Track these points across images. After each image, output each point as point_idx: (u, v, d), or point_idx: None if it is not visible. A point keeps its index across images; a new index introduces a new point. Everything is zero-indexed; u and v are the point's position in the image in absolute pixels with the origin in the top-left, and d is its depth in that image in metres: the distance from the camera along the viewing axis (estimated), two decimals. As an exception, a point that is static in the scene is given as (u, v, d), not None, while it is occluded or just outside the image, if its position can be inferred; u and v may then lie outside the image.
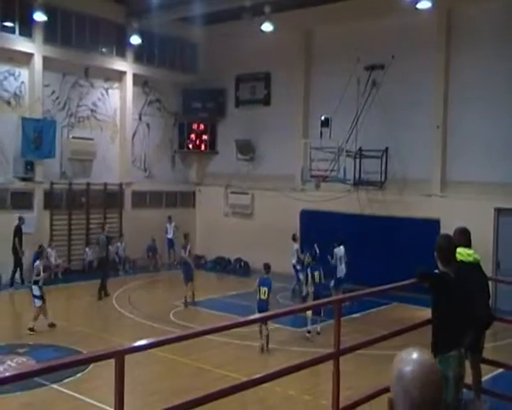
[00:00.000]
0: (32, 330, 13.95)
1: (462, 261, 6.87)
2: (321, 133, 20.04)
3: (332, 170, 19.67)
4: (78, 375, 10.93)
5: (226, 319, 12.95)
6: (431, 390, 2.06)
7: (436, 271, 6.14)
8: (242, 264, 23.61)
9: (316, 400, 9.94)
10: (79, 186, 22.45)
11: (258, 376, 5.25)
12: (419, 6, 17.06)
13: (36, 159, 21.04)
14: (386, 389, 6.50)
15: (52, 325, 14.29)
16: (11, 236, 19.28)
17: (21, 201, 20.84)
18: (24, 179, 20.87)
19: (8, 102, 20.64)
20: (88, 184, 22.69)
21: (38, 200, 21.34)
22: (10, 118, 20.41)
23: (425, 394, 2.04)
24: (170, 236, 23.86)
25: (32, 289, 14.38)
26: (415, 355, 2.12)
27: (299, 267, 18.34)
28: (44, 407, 9.89)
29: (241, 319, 5.74)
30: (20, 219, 19.58)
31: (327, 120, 20.00)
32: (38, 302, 14.17)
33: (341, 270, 17.29)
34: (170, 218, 24.03)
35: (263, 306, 12.55)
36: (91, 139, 22.80)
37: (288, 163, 22.72)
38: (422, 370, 2.07)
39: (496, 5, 18.22)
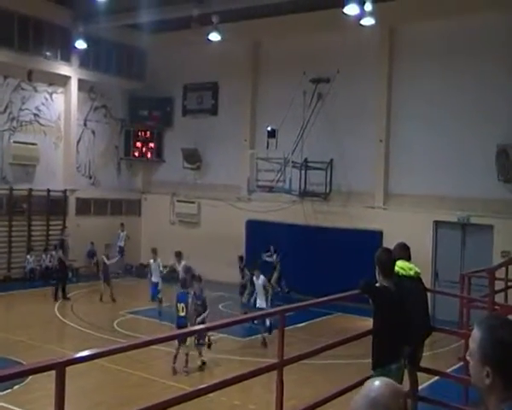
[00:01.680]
0: None
1: (403, 275, 7.11)
2: (267, 144, 20.27)
3: (278, 181, 19.91)
4: (16, 387, 10.63)
5: (171, 329, 12.93)
6: None
7: (377, 284, 6.34)
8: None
9: (260, 409, 10.02)
10: (21, 192, 21.88)
11: (203, 386, 5.29)
12: (363, 22, 17.54)
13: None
14: (330, 398, 6.64)
15: None
16: None
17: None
18: (-39, 185, 20.22)
19: None
20: (30, 189, 22.14)
21: (-24, 205, 20.71)
22: None
23: None
24: (121, 243, 23.57)
25: None
26: (383, 382, 2.19)
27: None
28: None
29: (184, 331, 5.74)
30: None
31: (273, 130, 20.25)
32: None
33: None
34: (122, 225, 23.80)
35: (181, 322, 12.04)
36: (34, 144, 22.29)
37: (235, 173, 22.84)
38: (393, 394, 2.15)
39: (436, 24, 18.96)
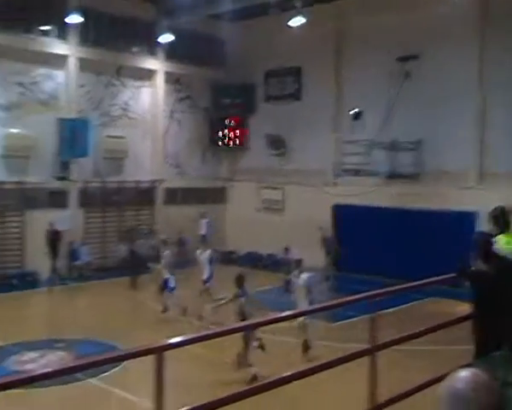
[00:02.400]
0: None
1: (501, 256, 6.70)
2: (352, 127, 19.91)
3: (364, 163, 19.53)
4: (114, 370, 11.05)
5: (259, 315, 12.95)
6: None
7: (474, 268, 6.04)
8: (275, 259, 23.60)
9: (351, 395, 9.88)
10: (112, 184, 22.77)
11: (293, 372, 5.23)
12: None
13: (71, 158, 21.42)
14: (424, 386, 6.39)
15: None
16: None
17: (57, 199, 21.25)
18: (60, 178, 21.26)
19: (45, 104, 21.05)
20: (121, 181, 22.99)
21: (73, 198, 21.73)
22: (47, 119, 20.81)
23: None
24: (203, 232, 24.00)
25: None
26: (472, 374, 2.03)
27: None
28: (81, 400, 10.07)
29: (280, 315, 5.71)
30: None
31: (358, 112, 19.86)
32: None
33: None
34: (203, 214, 24.19)
35: None
36: (124, 138, 23.08)
37: (320, 157, 22.62)
38: (480, 387, 1.97)
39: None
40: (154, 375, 3.89)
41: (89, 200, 22.16)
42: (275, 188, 24.55)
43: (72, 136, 21.02)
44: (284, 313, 5.97)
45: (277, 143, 24.29)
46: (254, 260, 24.08)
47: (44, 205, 20.82)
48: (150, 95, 24.23)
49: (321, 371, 5.62)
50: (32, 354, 12.34)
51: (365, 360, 5.93)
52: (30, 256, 20.11)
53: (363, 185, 20.58)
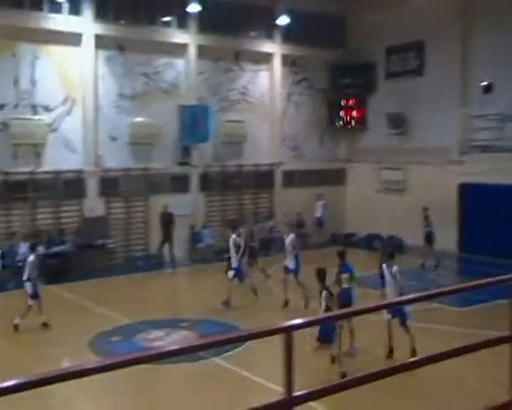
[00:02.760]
0: (16, 327, 12.66)
1: None
2: (482, 100, 18.63)
3: (496, 139, 18.22)
4: (236, 350, 11.17)
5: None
6: None
7: None
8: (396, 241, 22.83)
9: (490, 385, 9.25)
10: (232, 168, 23.14)
11: (426, 356, 4.89)
12: None
13: (192, 144, 22.01)
14: None
15: (45, 325, 13.01)
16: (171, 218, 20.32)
17: (179, 184, 21.95)
18: (181, 164, 21.92)
19: (167, 92, 21.75)
20: (240, 165, 23.31)
21: (194, 183, 22.35)
22: (169, 106, 21.50)
23: None
24: (318, 214, 23.77)
25: (25, 287, 13.13)
26: None
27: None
28: (205, 378, 10.26)
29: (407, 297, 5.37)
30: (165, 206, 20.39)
31: (489, 85, 18.53)
32: (30, 301, 12.91)
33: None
34: (319, 196, 23.94)
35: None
36: (242, 122, 23.33)
37: (444, 135, 21.46)
38: None
39: None
40: (284, 355, 3.75)
41: (209, 184, 22.69)
42: (395, 168, 23.70)
43: (193, 122, 21.57)
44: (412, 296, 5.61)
45: (398, 122, 23.39)
46: (374, 242, 23.43)
47: (167, 190, 21.59)
48: (268, 78, 24.27)
49: (456, 355, 5.22)
50: (158, 333, 12.81)
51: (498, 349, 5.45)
52: (153, 239, 20.95)
53: (493, 162, 19.20)
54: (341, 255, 11.80)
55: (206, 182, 22.58)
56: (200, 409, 9.01)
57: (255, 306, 14.87)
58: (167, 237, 20.05)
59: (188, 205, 21.58)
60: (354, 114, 25.19)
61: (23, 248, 18.13)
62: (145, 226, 21.18)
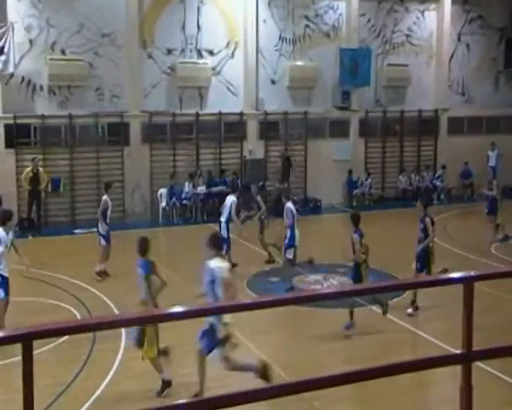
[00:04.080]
0: (99, 274, 12.62)
1: None
2: None
3: None
4: (396, 299, 10.88)
5: None
6: None
7: None
8: None
9: None
10: (393, 114, 22.25)
11: None
12: None
13: (352, 88, 21.44)
14: None
15: (103, 274, 12.74)
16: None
17: (338, 129, 21.59)
18: (340, 108, 21.49)
19: (328, 35, 21.30)
20: (402, 111, 22.32)
21: (354, 128, 21.85)
22: (329, 49, 21.11)
23: None
24: (492, 164, 22.04)
25: (98, 227, 12.97)
26: None
27: None
28: (363, 326, 10.04)
29: None
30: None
31: None
32: (103, 241, 12.80)
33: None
34: (493, 144, 22.21)
35: None
36: (406, 65, 22.22)
37: None
38: None
39: None
40: (464, 308, 3.41)
41: (369, 130, 22.09)
42: None
43: (354, 65, 20.97)
44: None
45: None
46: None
47: (325, 134, 21.40)
48: (435, 18, 22.70)
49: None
50: (316, 277, 12.83)
51: None
52: (311, 184, 20.97)
53: None
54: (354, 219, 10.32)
55: (366, 127, 22.01)
56: (355, 356, 8.85)
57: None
58: (286, 178, 20.01)
59: (347, 150, 21.26)
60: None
61: (187, 186, 19.14)
62: (303, 171, 21.23)
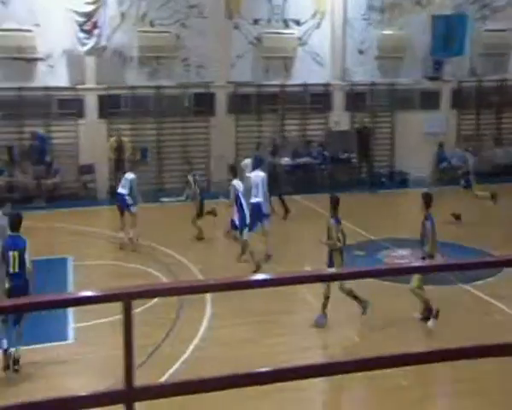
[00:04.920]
0: (131, 240, 12.67)
1: None
2: None
3: None
4: (489, 279, 10.40)
5: None
6: None
7: None
8: None
9: None
10: (490, 83, 21.05)
11: None
12: None
13: (445, 57, 20.47)
14: None
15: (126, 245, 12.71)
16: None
17: (428, 100, 20.73)
18: (432, 78, 20.62)
19: (419, 2, 20.39)
20: (501, 80, 21.08)
21: (445, 99, 20.90)
22: (420, 18, 20.21)
23: None
24: None
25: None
26: None
27: None
28: (452, 303, 9.72)
29: None
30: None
31: None
32: (134, 208, 12.77)
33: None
34: None
35: None
36: (505, 30, 20.87)
37: None
38: None
39: None
40: None
41: (462, 101, 21.02)
42: None
43: (447, 33, 19.91)
44: None
45: None
46: None
47: (415, 106, 20.64)
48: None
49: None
50: (402, 251, 12.47)
51: None
52: (399, 156, 20.36)
53: None
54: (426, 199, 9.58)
55: (459, 99, 20.94)
56: (447, 332, 8.52)
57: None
58: (363, 153, 19.33)
59: (438, 123, 20.39)
60: None
61: (271, 157, 19.03)
62: (391, 143, 20.62)
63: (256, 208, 11.73)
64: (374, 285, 9.12)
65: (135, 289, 2.65)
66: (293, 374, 2.87)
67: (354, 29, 19.93)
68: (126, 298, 2.54)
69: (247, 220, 11.37)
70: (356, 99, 20.18)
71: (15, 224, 7.92)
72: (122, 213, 12.61)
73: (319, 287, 8.84)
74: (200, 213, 13.39)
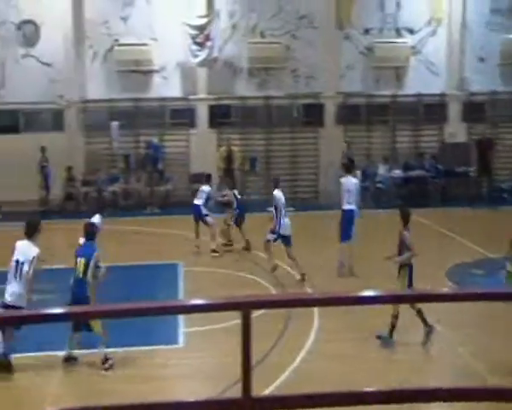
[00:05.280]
0: (214, 251, 13.06)
1: None
2: None
3: None
4: None
5: None
6: None
7: None
8: None
9: None
10: None
11: None
12: None
13: None
14: None
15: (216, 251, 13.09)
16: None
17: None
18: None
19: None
20: None
21: None
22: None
23: None
24: None
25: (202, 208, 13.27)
26: None
27: None
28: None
29: None
30: None
31: None
32: (210, 220, 13.19)
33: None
34: None
35: None
36: None
37: None
38: None
39: None
40: None
41: None
42: None
43: None
44: None
45: None
46: None
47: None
48: None
49: None
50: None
51: None
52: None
53: None
54: None
55: None
56: None
57: None
58: (484, 167, 18.08)
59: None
60: None
61: (381, 169, 18.55)
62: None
63: (347, 215, 11.37)
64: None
65: (256, 299, 2.75)
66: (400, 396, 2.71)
67: (474, 35, 19.06)
68: (247, 307, 2.58)
69: (281, 230, 11.24)
70: (474, 109, 19.24)
71: (87, 232, 8.29)
72: (197, 223, 13.26)
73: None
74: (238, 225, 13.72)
